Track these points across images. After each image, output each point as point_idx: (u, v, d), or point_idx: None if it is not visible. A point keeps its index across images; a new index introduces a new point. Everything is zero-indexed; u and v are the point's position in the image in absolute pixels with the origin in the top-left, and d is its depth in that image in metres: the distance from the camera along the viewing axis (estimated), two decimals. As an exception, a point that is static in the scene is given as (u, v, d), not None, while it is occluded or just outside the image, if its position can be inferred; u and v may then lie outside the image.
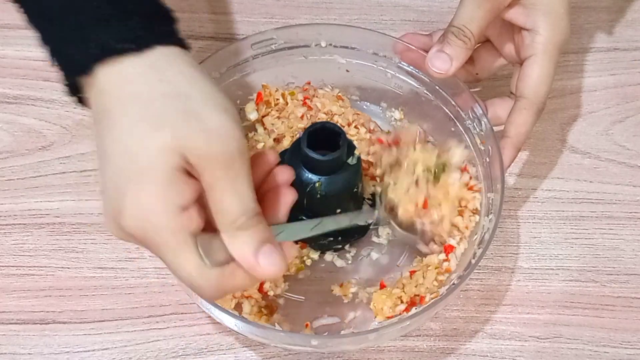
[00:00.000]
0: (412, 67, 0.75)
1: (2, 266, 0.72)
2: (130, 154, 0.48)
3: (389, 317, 0.66)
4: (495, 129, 0.70)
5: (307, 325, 0.69)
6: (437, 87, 0.74)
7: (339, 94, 0.77)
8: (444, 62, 0.68)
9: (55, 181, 0.76)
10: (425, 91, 0.75)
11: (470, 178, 0.69)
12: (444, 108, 0.74)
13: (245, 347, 0.69)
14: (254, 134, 0.76)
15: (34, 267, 0.72)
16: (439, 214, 0.66)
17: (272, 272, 0.50)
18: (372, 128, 0.77)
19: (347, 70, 0.77)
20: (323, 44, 0.75)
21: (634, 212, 0.77)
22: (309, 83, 0.78)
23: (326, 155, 0.65)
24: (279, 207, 0.54)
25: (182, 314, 0.70)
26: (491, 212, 0.67)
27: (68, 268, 0.72)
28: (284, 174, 0.55)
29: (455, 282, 0.65)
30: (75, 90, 0.52)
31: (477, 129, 0.71)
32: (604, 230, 0.76)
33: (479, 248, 0.65)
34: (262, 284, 0.68)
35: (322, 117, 0.75)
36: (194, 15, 0.87)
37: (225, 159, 0.48)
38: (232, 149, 0.48)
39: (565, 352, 0.70)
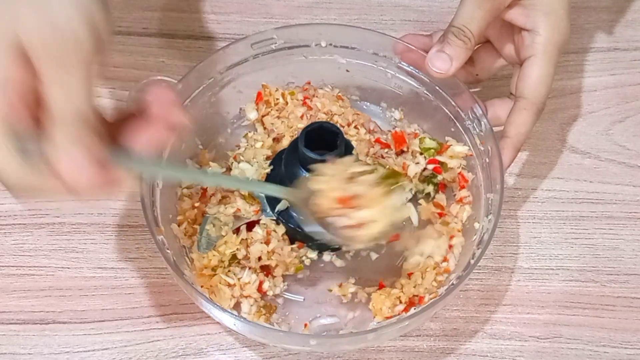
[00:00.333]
0: (412, 67, 0.75)
1: (2, 266, 0.72)
2: None
3: (387, 318, 0.66)
4: (495, 129, 0.70)
5: (306, 325, 0.69)
6: (437, 88, 0.74)
7: (339, 94, 0.77)
8: (444, 62, 0.68)
9: (55, 181, 0.76)
10: (425, 91, 0.75)
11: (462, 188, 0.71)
12: (444, 108, 0.74)
13: (245, 347, 0.69)
14: (254, 134, 0.76)
15: (34, 267, 0.72)
16: (367, 216, 0.61)
17: (80, 187, 0.48)
18: (372, 128, 0.77)
19: (347, 70, 0.77)
20: (323, 44, 0.75)
21: (634, 212, 0.77)
22: (309, 83, 0.78)
23: (324, 155, 0.65)
24: (141, 136, 0.51)
25: (182, 314, 0.70)
26: (490, 213, 0.67)
27: (68, 268, 0.72)
28: (175, 115, 0.52)
29: (455, 282, 0.65)
30: None
31: (477, 130, 0.71)
32: (604, 230, 0.76)
33: (478, 248, 0.65)
34: (261, 284, 0.68)
35: (322, 117, 0.75)
36: (194, 15, 0.87)
37: (60, 52, 0.46)
38: (69, 45, 0.46)
39: (565, 352, 0.70)
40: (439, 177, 0.73)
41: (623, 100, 0.84)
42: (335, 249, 0.72)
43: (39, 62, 0.46)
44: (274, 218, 0.70)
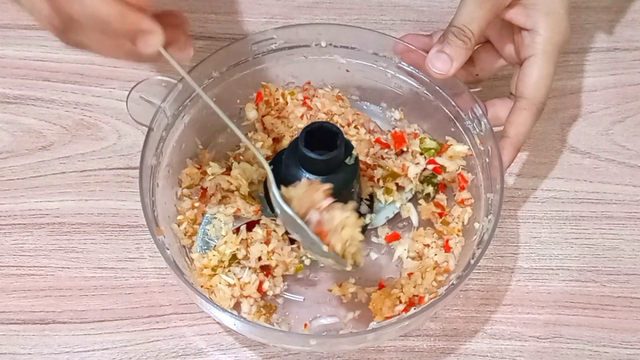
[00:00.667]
0: (412, 67, 0.75)
1: (2, 266, 0.72)
2: None
3: (387, 317, 0.66)
4: (495, 129, 0.70)
5: (306, 325, 0.69)
6: (437, 88, 0.74)
7: (339, 94, 0.77)
8: (444, 62, 0.68)
9: (55, 181, 0.76)
10: (425, 91, 0.75)
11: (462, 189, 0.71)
12: (444, 108, 0.74)
13: (245, 347, 0.69)
14: (254, 134, 0.76)
15: (34, 267, 0.72)
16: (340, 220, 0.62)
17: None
18: (372, 128, 0.77)
19: (347, 70, 0.77)
20: (323, 44, 0.75)
21: (634, 212, 0.77)
22: (309, 83, 0.78)
23: (323, 155, 0.65)
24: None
25: (182, 314, 0.70)
26: (490, 213, 0.67)
27: (68, 268, 0.72)
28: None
29: (454, 282, 0.65)
30: None
31: (477, 130, 0.71)
32: (604, 230, 0.76)
33: (478, 248, 0.65)
34: (261, 284, 0.68)
35: (322, 117, 0.75)
36: (194, 15, 0.87)
37: None
38: None
39: (565, 352, 0.70)
40: (439, 178, 0.73)
41: (623, 100, 0.84)
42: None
43: None
44: (274, 218, 0.70)
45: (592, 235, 0.76)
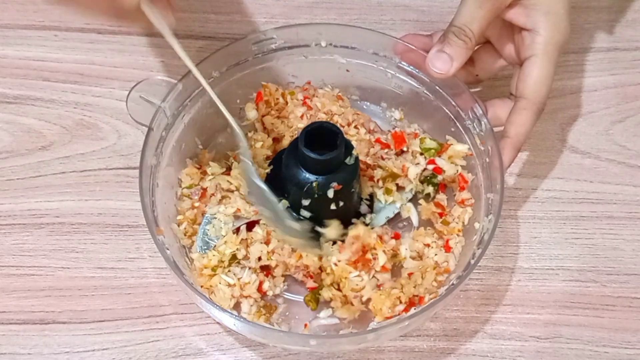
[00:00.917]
0: (412, 67, 0.75)
1: (2, 266, 0.72)
2: None
3: (387, 318, 0.66)
4: (495, 129, 0.70)
5: (306, 325, 0.69)
6: (437, 88, 0.74)
7: (339, 93, 0.77)
8: (445, 62, 0.68)
9: (55, 181, 0.76)
10: (425, 91, 0.75)
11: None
12: (444, 108, 0.74)
13: (245, 347, 0.69)
14: (254, 134, 0.76)
15: (34, 267, 0.72)
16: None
17: None
18: (372, 128, 0.77)
19: (347, 70, 0.77)
20: (323, 44, 0.75)
21: (634, 212, 0.77)
22: (309, 83, 0.78)
23: (323, 155, 0.65)
24: None
25: (182, 314, 0.70)
26: (490, 213, 0.67)
27: (68, 268, 0.72)
28: None
29: (455, 282, 0.65)
30: None
31: (477, 130, 0.71)
32: (604, 230, 0.76)
33: (479, 248, 0.65)
34: (261, 284, 0.68)
35: (322, 117, 0.75)
36: (194, 15, 0.87)
37: None
38: None
39: (565, 352, 0.70)
40: (439, 178, 0.73)
41: (623, 100, 0.84)
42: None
43: None
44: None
45: (592, 235, 0.76)
